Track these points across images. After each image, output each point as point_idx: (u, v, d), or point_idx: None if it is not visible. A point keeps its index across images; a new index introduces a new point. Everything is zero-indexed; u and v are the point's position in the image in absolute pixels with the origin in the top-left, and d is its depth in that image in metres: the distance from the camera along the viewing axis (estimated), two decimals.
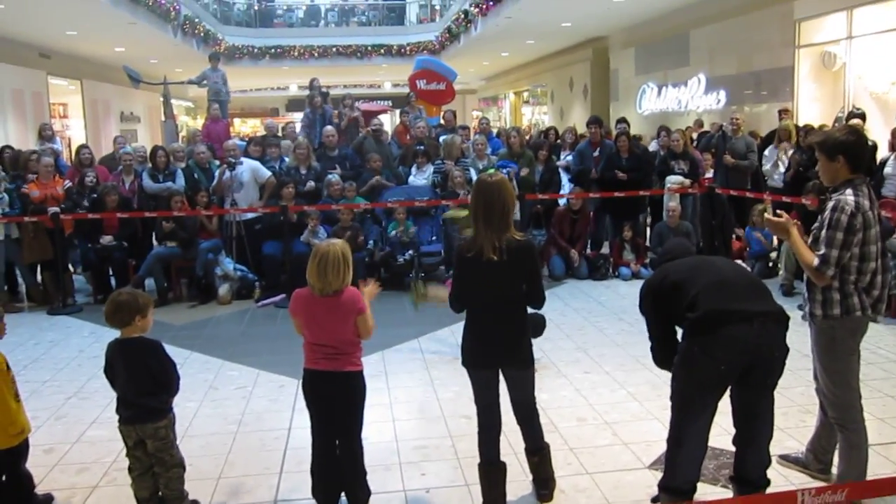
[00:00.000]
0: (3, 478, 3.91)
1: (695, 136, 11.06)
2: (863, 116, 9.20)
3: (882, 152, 8.60)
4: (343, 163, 9.66)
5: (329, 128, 10.01)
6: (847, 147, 3.52)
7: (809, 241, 3.60)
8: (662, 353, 3.56)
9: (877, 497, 3.38)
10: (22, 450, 3.90)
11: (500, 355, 3.69)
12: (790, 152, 8.76)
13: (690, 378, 3.34)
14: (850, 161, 3.52)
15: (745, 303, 3.26)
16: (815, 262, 3.45)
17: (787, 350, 3.34)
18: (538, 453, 3.91)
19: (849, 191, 3.48)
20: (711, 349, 3.25)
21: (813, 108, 11.98)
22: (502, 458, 3.82)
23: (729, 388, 3.38)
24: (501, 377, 3.77)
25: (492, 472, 3.78)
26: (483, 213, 3.60)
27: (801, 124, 9.90)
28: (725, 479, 4.03)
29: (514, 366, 3.73)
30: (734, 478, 3.58)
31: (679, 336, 3.49)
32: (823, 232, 3.48)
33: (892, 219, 6.94)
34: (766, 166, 9.29)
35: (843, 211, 3.42)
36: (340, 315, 3.70)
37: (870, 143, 8.50)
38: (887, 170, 8.04)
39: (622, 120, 10.54)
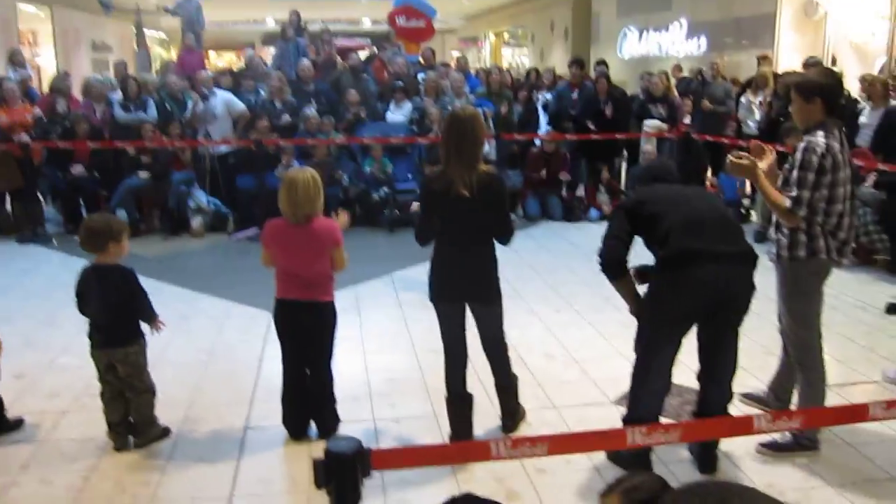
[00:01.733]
0: None
1: (674, 80, 10.99)
2: (819, 64, 9.22)
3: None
4: (318, 98, 9.52)
5: (305, 61, 9.83)
6: (824, 89, 3.54)
7: (779, 182, 3.63)
8: (612, 261, 3.44)
9: (828, 425, 3.49)
10: None
11: (466, 290, 3.69)
12: (767, 98, 8.77)
13: (657, 313, 3.39)
14: (826, 103, 3.53)
15: (715, 243, 3.27)
16: (787, 203, 3.47)
17: (753, 289, 3.38)
18: (505, 388, 3.95)
19: (820, 133, 3.49)
20: (679, 287, 3.28)
21: (793, 57, 11.95)
22: (470, 390, 3.88)
23: (695, 325, 3.45)
24: (469, 311, 3.79)
25: (458, 404, 3.84)
26: (454, 147, 3.57)
27: (779, 72, 9.89)
28: (688, 414, 4.15)
29: (480, 301, 3.74)
30: (696, 413, 3.66)
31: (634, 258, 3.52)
32: (795, 172, 3.49)
33: (863, 167, 7.01)
34: (741, 112, 9.31)
35: (813, 152, 3.44)
36: (316, 245, 3.70)
37: (844, 90, 8.55)
38: (862, 119, 8.09)
39: (601, 62, 10.44)
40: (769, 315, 4.07)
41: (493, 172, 3.69)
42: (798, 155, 3.51)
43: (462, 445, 2.12)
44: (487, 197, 3.56)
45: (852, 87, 8.88)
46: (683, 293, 3.29)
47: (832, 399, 3.98)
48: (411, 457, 1.76)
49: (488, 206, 3.60)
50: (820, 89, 3.53)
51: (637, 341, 3.54)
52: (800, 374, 3.80)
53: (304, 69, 9.64)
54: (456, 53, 30.82)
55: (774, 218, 3.70)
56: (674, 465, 3.64)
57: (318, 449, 3.78)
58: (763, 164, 3.59)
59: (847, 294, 6.18)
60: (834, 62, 9.51)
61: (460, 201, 3.54)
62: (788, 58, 12.00)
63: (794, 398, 4.01)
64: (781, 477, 3.56)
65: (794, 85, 3.68)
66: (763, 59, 10.15)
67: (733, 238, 3.37)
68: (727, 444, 3.72)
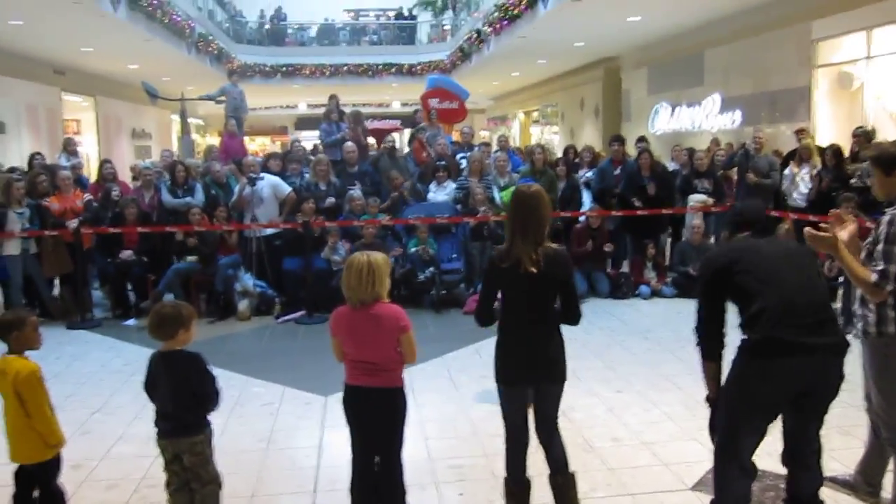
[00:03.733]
0: (36, 494, 3.84)
1: (721, 154, 10.97)
2: (870, 134, 9.21)
3: None
4: (363, 179, 9.62)
5: (349, 143, 9.99)
6: None
7: (862, 256, 3.52)
8: (709, 338, 3.38)
9: None
10: (55, 464, 3.83)
11: (535, 371, 3.58)
12: (815, 171, 8.72)
13: (743, 399, 3.24)
14: None
15: (810, 333, 3.12)
16: (873, 277, 3.36)
17: (842, 379, 3.24)
18: (562, 474, 3.69)
19: None
20: (769, 376, 3.15)
21: (830, 128, 11.95)
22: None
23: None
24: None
25: (519, 490, 3.68)
26: (520, 224, 3.52)
27: (819, 145, 9.86)
28: (770, 500, 3.95)
29: (550, 381, 3.62)
30: (787, 500, 3.49)
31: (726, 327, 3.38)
32: (880, 246, 3.39)
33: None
34: (785, 185, 9.25)
35: None
36: (382, 330, 3.62)
37: None
38: None
39: (642, 139, 10.49)
40: (841, 393, 3.88)
41: (559, 249, 3.62)
42: (883, 228, 3.42)
43: None
44: (554, 274, 3.49)
45: None
46: (773, 383, 3.15)
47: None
48: None
49: (555, 284, 3.53)
50: None
51: (717, 426, 3.39)
52: (894, 457, 3.62)
53: (349, 152, 9.78)
54: (485, 132, 31.34)
55: (859, 293, 3.58)
56: None
57: None
58: (843, 235, 3.49)
59: None
60: (874, 135, 9.45)
61: (527, 279, 3.46)
62: (825, 129, 11.99)
63: (887, 482, 3.81)
64: None
65: (873, 158, 3.62)
66: (802, 132, 10.14)
67: (828, 327, 3.20)
68: None
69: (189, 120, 16.60)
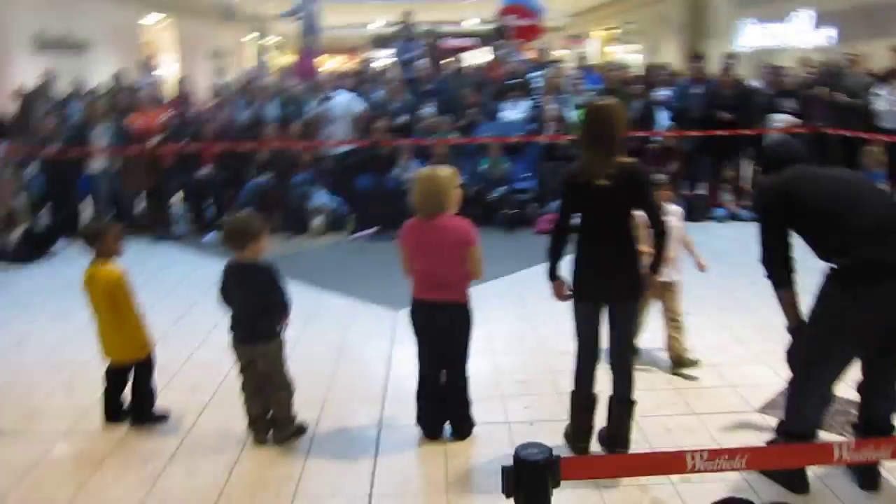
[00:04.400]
0: (124, 395, 4.11)
1: (812, 71, 10.39)
2: None
3: None
4: (436, 97, 9.53)
5: (423, 61, 9.89)
6: None
7: None
8: (777, 265, 3.28)
9: None
10: (148, 365, 4.09)
11: (615, 287, 3.53)
12: None
13: (835, 325, 3.11)
14: None
15: None
16: None
17: None
18: (622, 403, 3.66)
19: None
20: (868, 301, 3.01)
21: None
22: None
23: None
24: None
25: (586, 404, 3.71)
26: (592, 137, 3.44)
27: None
28: (840, 426, 3.89)
29: (625, 297, 3.57)
30: (858, 425, 3.43)
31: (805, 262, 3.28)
32: None
33: None
34: (880, 105, 8.74)
35: None
36: (449, 242, 3.66)
37: None
38: None
39: (731, 56, 9.97)
40: None
41: (636, 163, 3.50)
42: None
43: (656, 456, 2.00)
44: (630, 188, 3.40)
45: None
46: (869, 310, 3.03)
47: None
48: (602, 467, 1.68)
49: (632, 197, 3.44)
50: None
51: (802, 355, 3.28)
52: None
53: (423, 69, 9.68)
54: (560, 52, 30.49)
55: None
56: (831, 478, 3.41)
57: (454, 450, 3.79)
58: None
59: None
60: None
61: (600, 193, 3.39)
62: None
63: None
64: None
65: None
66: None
67: None
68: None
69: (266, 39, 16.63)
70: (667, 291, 4.72)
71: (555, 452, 1.59)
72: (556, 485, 1.59)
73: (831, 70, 9.62)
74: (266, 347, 3.81)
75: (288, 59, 24.45)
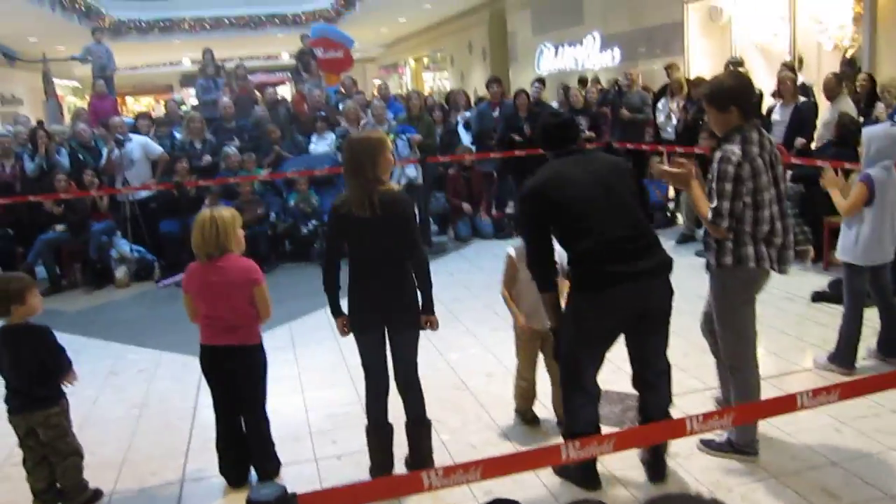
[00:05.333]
0: None
1: (592, 92, 11.15)
2: (741, 64, 9.55)
3: (768, 101, 8.94)
4: (241, 135, 9.37)
5: (225, 99, 9.70)
6: (735, 94, 3.44)
7: (706, 192, 3.55)
8: (541, 266, 3.43)
9: (761, 419, 3.50)
10: None
11: (387, 317, 3.58)
12: (681, 104, 8.99)
13: (580, 331, 3.36)
14: (740, 108, 3.43)
15: (634, 260, 3.22)
16: (709, 215, 3.42)
17: (671, 294, 3.38)
18: (417, 426, 3.75)
19: (737, 138, 3.40)
20: (599, 306, 3.26)
21: (704, 62, 12.32)
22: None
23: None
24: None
25: (380, 435, 3.74)
26: (351, 169, 3.49)
27: (692, 77, 10.16)
28: (631, 420, 4.15)
29: (398, 327, 3.62)
30: (641, 421, 3.62)
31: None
32: (713, 184, 3.42)
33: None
34: (660, 119, 9.52)
35: (728, 161, 3.36)
36: (233, 284, 3.59)
37: (756, 91, 8.82)
38: (774, 116, 8.35)
39: (539, 80, 10.48)
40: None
41: (396, 192, 3.59)
42: (715, 165, 3.44)
43: (393, 480, 2.05)
44: (390, 217, 3.46)
45: (760, 86, 9.18)
46: (604, 313, 3.29)
47: (769, 391, 4.02)
48: (340, 497, 1.69)
49: (393, 227, 3.49)
50: (732, 96, 3.43)
51: (560, 355, 3.51)
52: (731, 376, 3.77)
53: (226, 107, 9.49)
54: (378, 81, 30.94)
55: (704, 226, 3.64)
56: (624, 471, 3.63)
57: None
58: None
59: (775, 287, 6.30)
60: (741, 64, 9.81)
61: (363, 223, 3.45)
62: (699, 63, 12.36)
63: None
64: (727, 475, 3.57)
65: (705, 96, 3.58)
66: (671, 67, 10.40)
67: (647, 251, 3.30)
68: (675, 446, 3.71)
69: (58, 81, 15.69)
70: (544, 342, 4.16)
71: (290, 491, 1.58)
72: None
73: (615, 88, 10.35)
74: (45, 414, 3.55)
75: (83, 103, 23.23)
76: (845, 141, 6.78)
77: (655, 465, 3.58)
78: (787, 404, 2.31)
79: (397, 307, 3.58)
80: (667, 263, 3.35)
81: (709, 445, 3.77)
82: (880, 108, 7.56)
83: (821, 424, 3.93)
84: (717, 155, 3.44)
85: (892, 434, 3.85)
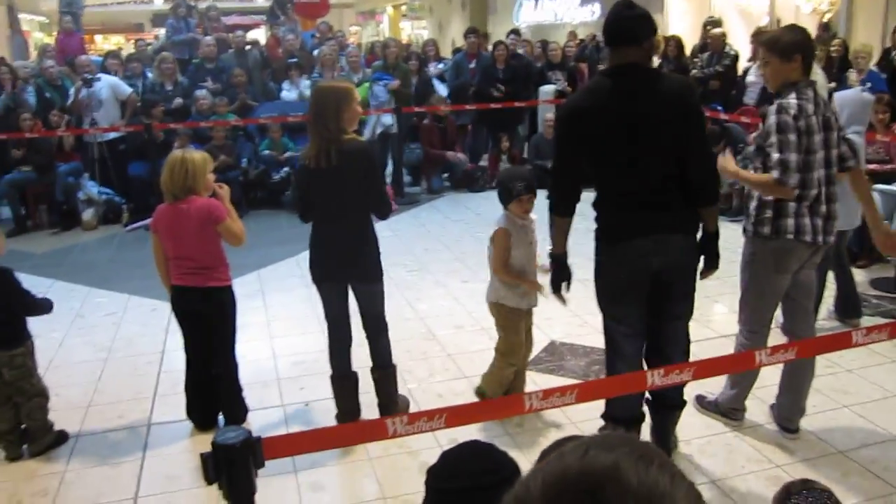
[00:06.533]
0: None
1: (571, 46, 11.09)
2: (719, 24, 9.54)
3: (743, 62, 8.96)
4: (220, 76, 9.16)
5: (208, 38, 9.49)
6: (802, 46, 3.24)
7: (751, 150, 3.39)
8: (563, 188, 3.12)
9: (720, 374, 3.49)
10: None
11: (344, 269, 3.57)
12: (657, 62, 8.97)
13: (604, 286, 3.16)
14: (805, 61, 3.24)
15: (647, 214, 2.96)
16: (775, 174, 3.13)
17: (694, 256, 3.13)
18: (381, 370, 3.78)
19: (792, 95, 3.21)
20: (613, 258, 3.07)
21: (682, 22, 12.28)
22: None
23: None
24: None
25: (344, 384, 3.77)
26: (314, 120, 3.44)
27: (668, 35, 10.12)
28: (595, 374, 4.23)
29: (359, 279, 3.62)
30: (650, 401, 3.33)
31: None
32: (773, 138, 3.16)
33: (750, 126, 7.26)
34: None
35: (786, 112, 3.15)
36: (195, 224, 3.58)
37: (732, 51, 8.84)
38: (749, 78, 8.38)
39: (514, 32, 10.38)
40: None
41: (359, 142, 3.54)
42: (771, 119, 3.20)
43: (357, 426, 2.09)
44: (353, 168, 3.41)
45: (737, 46, 9.18)
46: (618, 267, 3.09)
47: (729, 348, 4.06)
48: (305, 442, 1.71)
49: (355, 179, 3.44)
50: (799, 46, 3.22)
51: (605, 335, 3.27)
52: (738, 334, 3.63)
53: (208, 46, 9.27)
54: (355, 28, 30.41)
55: (747, 189, 3.47)
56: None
57: None
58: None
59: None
60: (720, 24, 9.79)
61: (325, 174, 3.41)
62: (677, 22, 12.31)
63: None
64: (708, 428, 3.65)
65: (767, 44, 3.35)
66: None
67: (670, 206, 3.04)
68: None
69: (24, 16, 15.23)
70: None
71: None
72: (260, 466, 1.61)
73: (593, 44, 10.29)
74: (9, 354, 3.53)
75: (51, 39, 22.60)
76: None
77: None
78: (746, 361, 2.36)
79: (358, 261, 3.57)
80: (689, 220, 3.06)
81: (700, 402, 3.81)
82: (853, 75, 7.61)
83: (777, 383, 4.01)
84: (772, 108, 3.24)
85: (845, 392, 3.97)
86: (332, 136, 3.38)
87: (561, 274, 3.26)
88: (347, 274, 3.59)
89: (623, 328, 3.14)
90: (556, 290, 3.30)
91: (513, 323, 3.85)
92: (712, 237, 3.17)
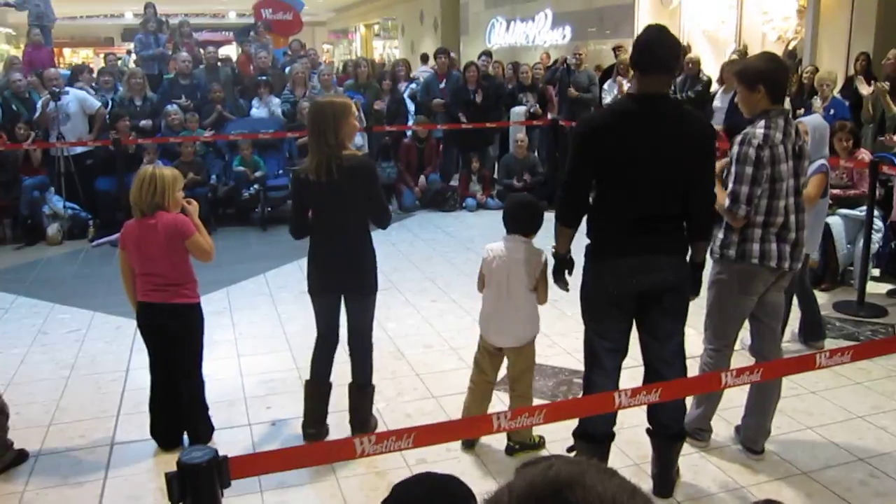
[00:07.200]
0: None
1: (539, 68, 11.22)
2: (688, 51, 9.72)
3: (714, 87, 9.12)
4: (194, 93, 9.11)
5: (184, 54, 9.44)
6: (765, 75, 3.27)
7: (724, 177, 3.43)
8: (570, 203, 3.14)
9: (688, 395, 3.52)
10: None
11: (341, 281, 3.65)
12: (627, 86, 9.09)
13: (587, 301, 3.18)
14: (770, 90, 3.28)
15: (640, 235, 2.99)
16: (726, 202, 3.24)
17: (683, 277, 3.13)
18: (360, 389, 3.80)
19: (761, 123, 3.26)
20: (598, 275, 3.08)
21: None
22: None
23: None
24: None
25: (318, 389, 3.78)
26: (314, 134, 3.49)
27: None
28: (563, 395, 4.24)
29: (355, 291, 3.69)
30: (649, 429, 3.32)
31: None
32: (732, 167, 3.25)
33: (718, 150, 7.36)
34: (606, 99, 9.62)
35: (749, 144, 3.21)
36: (163, 239, 3.55)
37: (705, 77, 8.99)
38: (716, 103, 8.53)
39: (486, 53, 10.49)
40: None
41: (359, 156, 3.63)
42: (735, 148, 3.27)
43: (325, 445, 2.07)
44: (354, 184, 3.49)
45: (707, 72, 9.35)
46: (604, 283, 3.11)
47: (693, 369, 4.08)
48: (272, 461, 1.69)
49: (357, 191, 3.52)
50: (762, 76, 3.27)
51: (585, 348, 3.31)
52: (703, 352, 3.66)
53: (184, 61, 9.23)
54: (328, 46, 30.47)
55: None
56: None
57: None
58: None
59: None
60: (689, 49, 9.98)
61: (327, 188, 3.46)
62: None
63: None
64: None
65: (737, 74, 3.46)
66: (619, 49, 10.51)
67: (662, 229, 3.09)
68: None
69: None
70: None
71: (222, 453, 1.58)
72: (226, 485, 1.59)
73: (563, 66, 10.41)
74: None
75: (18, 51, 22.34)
76: None
77: (662, 480, 3.31)
78: (711, 382, 2.39)
79: (354, 274, 3.63)
80: (680, 241, 3.11)
81: None
82: (817, 101, 7.77)
83: (743, 404, 4.05)
84: (739, 137, 3.30)
85: (809, 414, 4.03)
86: (332, 151, 3.44)
87: (563, 264, 3.31)
88: (345, 286, 3.65)
89: (606, 343, 3.16)
90: (560, 278, 3.35)
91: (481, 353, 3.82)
92: (697, 267, 3.24)
